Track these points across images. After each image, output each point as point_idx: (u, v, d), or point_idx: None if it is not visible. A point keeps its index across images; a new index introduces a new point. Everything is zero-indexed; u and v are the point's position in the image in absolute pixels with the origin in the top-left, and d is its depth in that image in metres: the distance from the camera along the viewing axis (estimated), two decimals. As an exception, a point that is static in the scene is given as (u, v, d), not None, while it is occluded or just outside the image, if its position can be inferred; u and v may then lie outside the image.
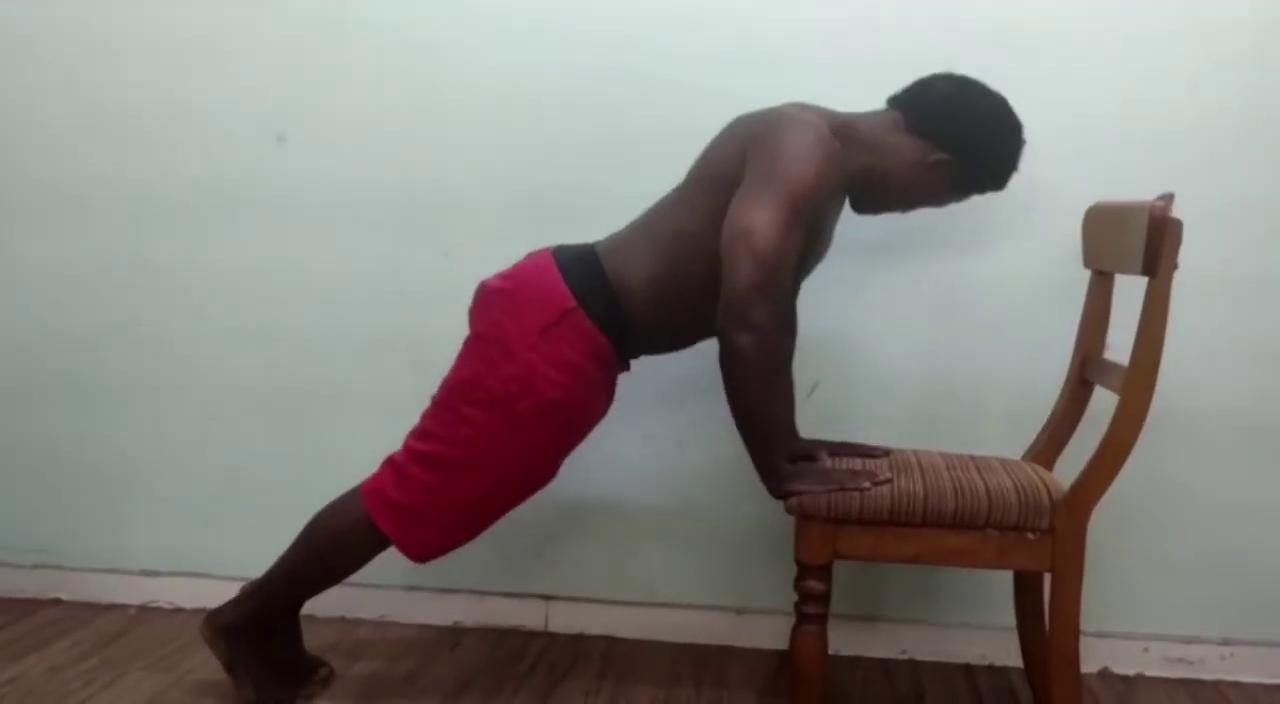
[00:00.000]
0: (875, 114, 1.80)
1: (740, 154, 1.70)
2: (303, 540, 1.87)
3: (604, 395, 1.84)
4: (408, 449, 1.81)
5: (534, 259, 1.82)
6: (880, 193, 1.80)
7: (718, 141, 1.80)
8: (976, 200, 1.86)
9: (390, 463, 1.82)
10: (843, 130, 1.73)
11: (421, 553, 1.82)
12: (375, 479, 1.82)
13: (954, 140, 1.74)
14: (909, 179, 1.77)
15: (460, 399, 1.78)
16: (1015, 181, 1.96)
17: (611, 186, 2.16)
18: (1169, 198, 1.53)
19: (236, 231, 2.29)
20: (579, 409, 1.79)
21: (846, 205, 1.84)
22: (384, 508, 1.78)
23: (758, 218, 1.61)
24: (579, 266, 1.77)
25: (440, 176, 2.23)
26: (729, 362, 1.63)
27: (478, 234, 2.22)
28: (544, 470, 1.83)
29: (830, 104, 1.80)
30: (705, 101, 1.96)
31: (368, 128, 2.24)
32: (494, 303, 1.79)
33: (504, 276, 1.82)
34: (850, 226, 1.89)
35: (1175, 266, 1.55)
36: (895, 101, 1.80)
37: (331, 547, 1.85)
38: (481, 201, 2.22)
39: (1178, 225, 1.53)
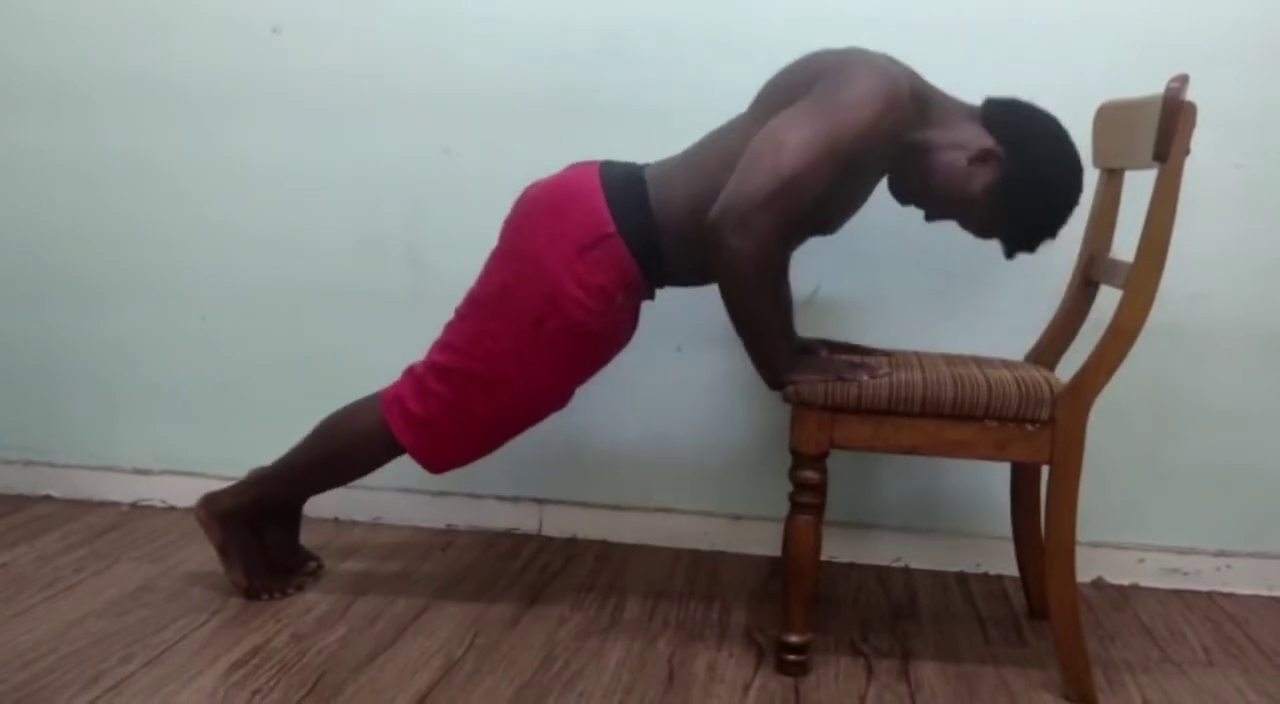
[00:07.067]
0: (959, 100, 1.72)
1: (807, 86, 1.62)
2: (315, 440, 1.84)
3: (629, 323, 1.81)
4: (429, 362, 1.78)
5: (579, 172, 1.75)
6: (922, 169, 1.69)
7: (789, 71, 1.71)
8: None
9: (411, 373, 1.79)
10: (920, 97, 1.65)
11: (438, 464, 1.81)
12: (395, 388, 1.79)
13: (1015, 141, 1.65)
14: (952, 163, 1.67)
15: (485, 313, 1.74)
16: (1022, 83, 1.92)
17: (613, 82, 2.13)
18: (1183, 78, 1.49)
19: (231, 125, 2.25)
20: (604, 335, 1.76)
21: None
22: (402, 418, 1.76)
23: (794, 135, 1.55)
24: (624, 190, 1.70)
25: (440, 71, 2.18)
26: (721, 265, 1.58)
27: (478, 130, 2.18)
28: (559, 393, 1.81)
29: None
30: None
31: (365, 18, 2.18)
32: (533, 214, 1.73)
33: (547, 185, 1.75)
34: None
35: (1188, 151, 1.51)
36: (986, 99, 1.72)
37: (345, 450, 1.83)
38: (483, 97, 2.17)
39: (1192, 108, 1.48)
